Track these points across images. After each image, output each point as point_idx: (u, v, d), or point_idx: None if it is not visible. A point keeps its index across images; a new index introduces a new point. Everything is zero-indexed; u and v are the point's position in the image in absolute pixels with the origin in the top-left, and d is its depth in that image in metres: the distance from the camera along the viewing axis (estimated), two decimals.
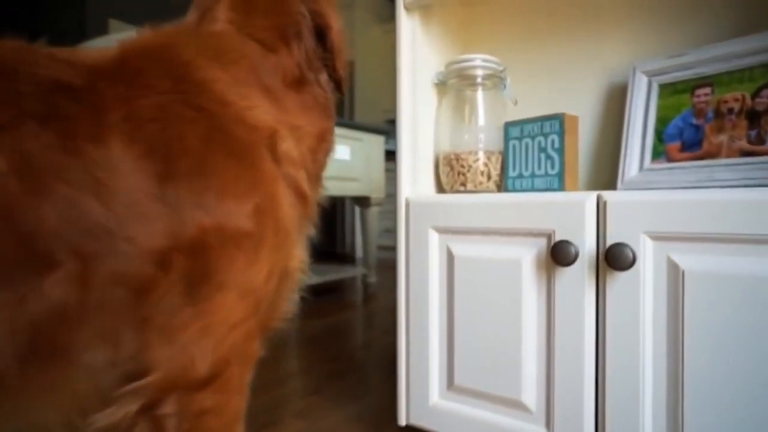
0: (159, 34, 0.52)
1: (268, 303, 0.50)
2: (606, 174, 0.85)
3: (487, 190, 0.84)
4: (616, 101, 0.85)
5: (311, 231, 0.65)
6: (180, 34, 0.53)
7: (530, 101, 0.95)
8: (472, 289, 0.76)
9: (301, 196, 0.55)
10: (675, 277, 0.59)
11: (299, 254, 0.58)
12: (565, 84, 0.92)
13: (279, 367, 1.51)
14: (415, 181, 0.86)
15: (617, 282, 0.63)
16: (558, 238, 0.67)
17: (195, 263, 0.45)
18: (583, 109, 0.89)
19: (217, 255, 0.46)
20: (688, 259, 0.59)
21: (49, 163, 0.41)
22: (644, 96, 0.75)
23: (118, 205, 0.43)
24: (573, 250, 0.64)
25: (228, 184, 0.47)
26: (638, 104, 0.75)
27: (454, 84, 0.87)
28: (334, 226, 3.99)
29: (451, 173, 0.85)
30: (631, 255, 0.59)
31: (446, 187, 0.87)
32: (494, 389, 0.74)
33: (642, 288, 0.61)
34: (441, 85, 0.89)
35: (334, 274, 2.53)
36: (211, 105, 0.48)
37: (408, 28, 0.85)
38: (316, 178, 0.62)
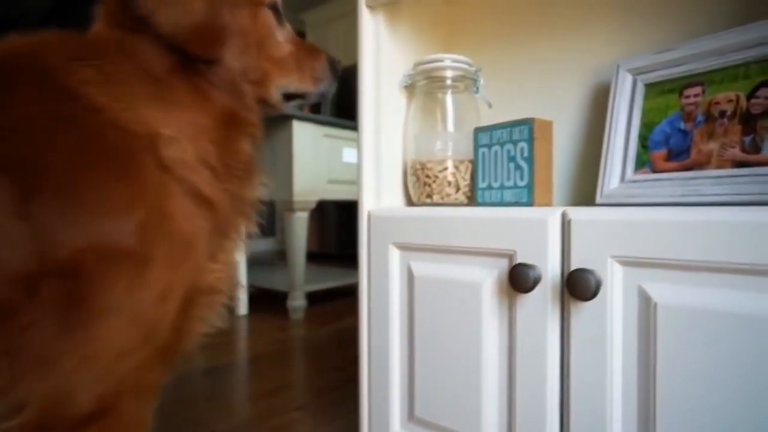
0: (25, 41, 0.47)
1: (170, 327, 0.46)
2: (590, 185, 0.77)
3: (455, 203, 0.77)
4: (601, 103, 0.76)
5: (245, 233, 0.60)
6: (49, 39, 0.48)
7: (508, 104, 0.87)
8: (432, 312, 0.69)
9: (205, 202, 0.49)
10: (646, 309, 0.51)
11: (218, 267, 0.53)
12: (547, 84, 0.83)
13: (271, 377, 1.48)
14: (380, 192, 0.80)
15: (582, 312, 0.55)
16: (519, 260, 0.60)
17: (69, 287, 0.40)
18: (568, 111, 0.80)
19: (95, 277, 0.41)
20: (662, 289, 0.50)
21: None
22: (628, 97, 0.66)
23: None
24: (532, 275, 0.56)
25: (104, 199, 0.42)
26: (621, 107, 0.66)
27: (422, 86, 0.80)
28: (351, 229, 3.95)
29: (417, 184, 0.78)
30: (593, 283, 0.51)
31: (414, 198, 0.81)
32: (454, 424, 0.67)
33: (609, 320, 0.53)
34: (410, 88, 0.82)
35: (350, 277, 2.50)
36: (80, 112, 0.44)
37: (371, 27, 0.78)
38: (239, 171, 0.56)
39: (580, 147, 0.79)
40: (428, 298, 0.70)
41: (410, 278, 0.72)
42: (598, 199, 0.66)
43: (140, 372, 0.44)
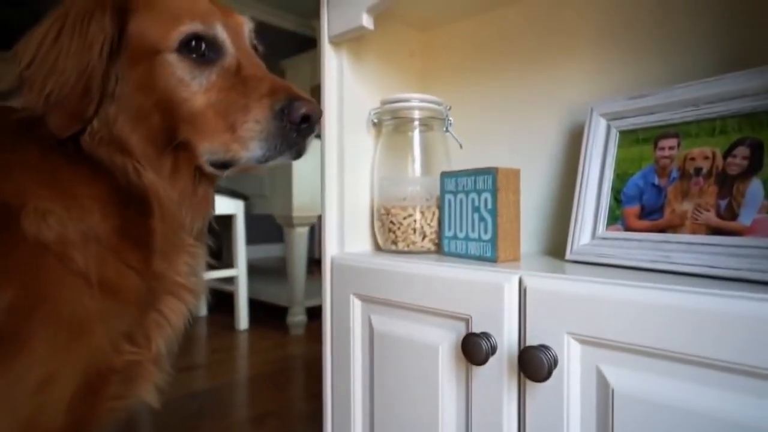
0: None
1: (63, 414, 0.42)
2: (564, 235, 0.71)
3: (421, 251, 0.72)
4: (575, 146, 0.71)
5: (183, 309, 0.57)
6: None
7: (481, 143, 0.82)
8: (392, 369, 0.65)
9: (101, 282, 0.46)
10: (605, 394, 0.46)
11: (133, 349, 0.50)
12: (520, 124, 0.78)
13: (263, 401, 1.46)
14: (343, 237, 0.76)
15: (537, 392, 0.50)
16: (474, 327, 0.55)
17: None
18: (540, 153, 0.75)
19: None
20: (621, 374, 0.45)
21: None
22: (602, 144, 0.61)
23: None
24: (485, 347, 0.52)
25: None
26: (594, 154, 0.61)
27: (390, 125, 0.76)
28: None
29: (382, 229, 0.75)
30: (546, 364, 0.47)
31: (380, 244, 0.77)
32: None
33: (566, 403, 0.48)
34: (378, 126, 0.78)
35: None
36: None
37: (334, 64, 0.75)
38: (155, 246, 0.52)
39: (554, 192, 0.74)
40: (388, 354, 0.66)
41: (371, 331, 0.68)
42: (567, 255, 0.61)
43: None
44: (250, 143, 0.50)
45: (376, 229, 0.77)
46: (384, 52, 0.82)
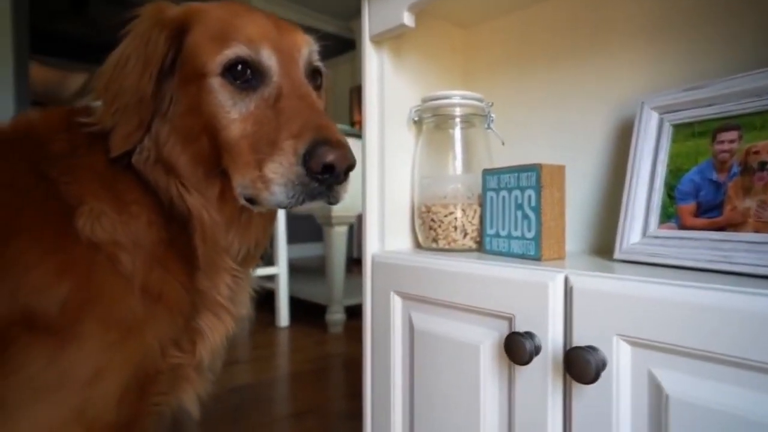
0: (31, 116, 0.52)
1: (113, 408, 0.45)
2: (612, 234, 0.69)
3: (463, 249, 0.71)
4: (624, 142, 0.68)
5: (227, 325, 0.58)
6: (45, 116, 0.53)
7: (524, 140, 0.80)
8: (433, 368, 0.65)
9: (146, 289, 0.48)
10: (657, 400, 0.44)
11: (179, 354, 0.52)
12: (565, 120, 0.75)
13: (302, 398, 1.48)
14: (384, 235, 0.76)
15: (584, 395, 0.48)
16: (516, 326, 0.54)
17: None
18: (587, 150, 0.72)
19: (19, 349, 0.42)
20: (676, 379, 0.43)
21: None
22: (653, 139, 0.59)
23: None
24: (528, 347, 0.51)
25: (32, 267, 0.43)
26: (645, 150, 0.59)
27: (430, 123, 0.75)
28: None
29: (423, 227, 0.74)
30: (593, 365, 0.45)
31: (421, 242, 0.76)
32: None
33: (615, 407, 0.46)
34: (419, 124, 0.78)
35: None
36: (32, 182, 0.46)
37: (375, 63, 0.75)
38: (198, 265, 0.53)
39: (599, 189, 0.71)
40: (429, 353, 0.65)
41: (411, 329, 0.68)
42: (616, 254, 0.59)
43: None
44: (273, 186, 0.47)
45: (416, 227, 0.77)
46: (425, 49, 0.82)
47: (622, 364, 0.46)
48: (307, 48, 0.56)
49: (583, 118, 0.73)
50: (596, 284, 0.48)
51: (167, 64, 0.50)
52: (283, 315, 2.30)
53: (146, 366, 0.48)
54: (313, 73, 0.58)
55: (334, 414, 1.38)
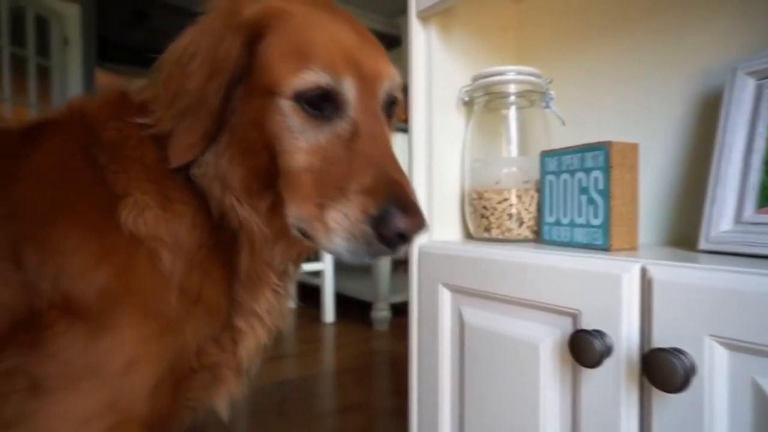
0: (84, 101, 0.52)
1: (144, 400, 0.43)
2: (695, 223, 0.60)
3: (518, 239, 0.65)
4: (708, 117, 0.59)
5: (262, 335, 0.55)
6: (98, 100, 0.52)
7: (587, 120, 0.73)
8: (485, 367, 0.59)
9: (184, 288, 0.46)
10: (765, 415, 0.36)
11: (216, 351, 0.50)
12: (635, 95, 0.67)
13: (345, 394, 1.46)
14: (433, 224, 0.71)
15: (668, 406, 0.41)
16: (583, 324, 0.48)
17: (37, 339, 0.41)
18: (662, 128, 0.64)
19: (59, 331, 0.41)
20: None
21: None
22: (749, 109, 0.50)
23: None
24: (598, 347, 0.44)
25: (75, 252, 0.42)
26: (738, 122, 0.50)
27: (482, 103, 0.70)
28: None
29: (474, 215, 0.69)
30: (680, 370, 0.38)
31: (472, 231, 0.71)
32: None
33: (709, 421, 0.39)
34: (469, 105, 0.72)
35: None
36: (81, 168, 0.45)
37: (422, 40, 0.71)
38: (237, 276, 0.50)
39: (677, 170, 0.62)
40: (481, 350, 0.60)
41: (461, 324, 0.63)
42: (701, 244, 0.51)
43: None
44: (333, 236, 0.43)
45: (467, 216, 0.71)
46: (475, 25, 0.76)
47: (717, 371, 0.39)
48: (390, 82, 0.50)
49: (657, 92, 0.65)
50: (682, 276, 0.41)
51: (238, 74, 0.45)
52: (329, 311, 2.30)
53: (181, 363, 0.46)
54: (390, 104, 0.52)
55: (379, 411, 1.34)
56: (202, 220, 0.48)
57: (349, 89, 0.45)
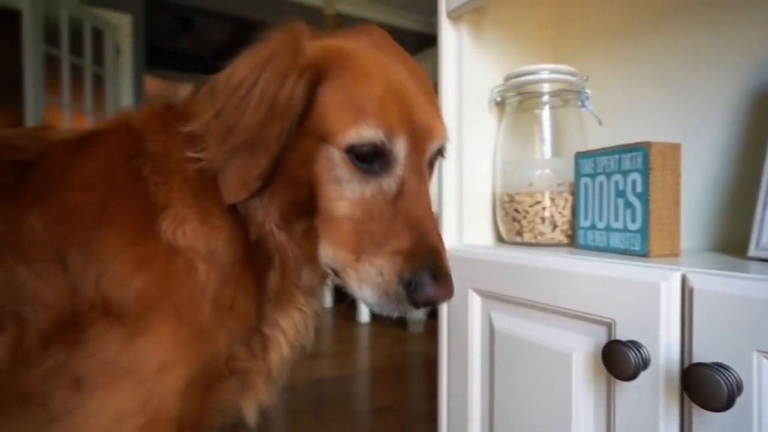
0: (131, 113, 0.54)
1: (175, 402, 0.45)
2: (744, 229, 0.56)
3: (551, 243, 0.63)
4: (760, 115, 0.55)
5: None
6: (143, 113, 0.54)
7: (626, 120, 0.69)
8: (515, 376, 0.58)
9: (215, 299, 0.47)
10: None
11: (247, 357, 0.51)
12: (679, 92, 0.63)
13: (379, 395, 1.47)
14: (462, 228, 0.70)
15: (711, 423, 0.39)
16: (617, 334, 0.45)
17: (78, 338, 0.43)
18: (712, 124, 0.60)
19: (98, 331, 0.43)
20: None
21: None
22: None
23: (38, 271, 0.44)
24: (633, 359, 0.42)
25: (115, 256, 0.44)
26: None
27: (515, 103, 0.68)
28: None
29: (506, 219, 0.67)
30: (724, 388, 0.36)
31: (504, 235, 0.69)
32: None
33: None
34: (501, 106, 0.71)
35: None
36: (125, 177, 0.47)
37: (452, 40, 0.70)
38: (264, 294, 0.51)
39: (725, 172, 0.58)
40: (511, 357, 0.58)
41: (491, 331, 0.62)
42: (752, 251, 0.47)
43: None
44: (365, 287, 0.44)
45: (498, 219, 0.70)
46: (509, 23, 0.74)
47: (767, 389, 0.36)
48: (441, 140, 0.50)
49: (704, 88, 0.61)
50: (726, 285, 0.38)
51: (297, 116, 0.45)
52: (364, 311, 2.31)
53: (211, 368, 0.48)
54: (438, 154, 0.52)
55: (413, 413, 1.34)
56: (237, 236, 0.49)
57: (400, 149, 0.46)
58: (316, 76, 0.45)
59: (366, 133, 0.44)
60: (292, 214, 0.49)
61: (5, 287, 0.44)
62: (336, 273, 0.48)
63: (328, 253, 0.47)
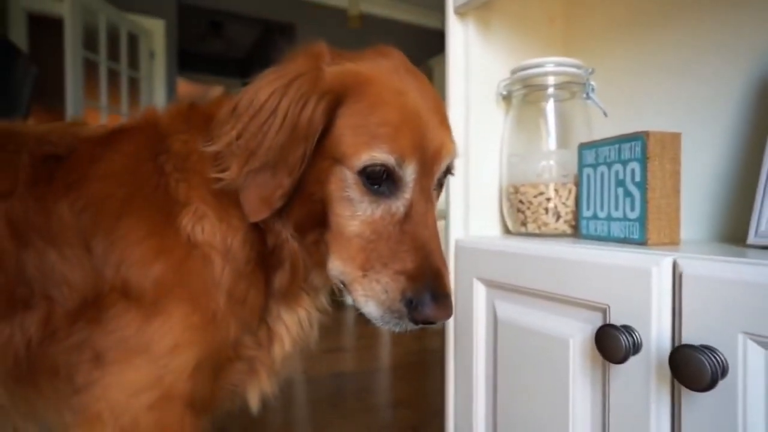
0: (157, 111, 0.58)
1: (185, 381, 0.48)
2: (744, 218, 0.55)
3: (555, 233, 0.64)
4: (762, 104, 0.54)
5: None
6: (169, 113, 0.58)
7: (630, 111, 0.69)
8: (517, 362, 0.59)
9: (228, 291, 0.50)
10: None
11: (254, 346, 0.54)
12: (687, 84, 0.63)
13: (396, 390, 1.49)
14: (468, 219, 0.72)
15: (697, 404, 0.39)
16: (611, 319, 0.46)
17: (100, 317, 0.47)
18: (714, 114, 0.60)
19: (117, 312, 0.47)
20: None
21: (32, 223, 0.49)
22: None
23: (66, 255, 0.48)
24: (624, 342, 0.43)
25: (136, 244, 0.48)
26: None
27: (520, 96, 0.69)
28: None
29: (510, 210, 0.68)
30: (708, 369, 0.36)
31: (509, 226, 0.70)
32: None
33: (742, 423, 0.37)
34: (508, 99, 0.72)
35: None
36: (149, 172, 0.51)
37: (460, 36, 0.71)
38: (272, 290, 0.54)
39: (726, 162, 0.58)
40: (513, 345, 0.60)
41: (495, 319, 0.63)
42: (751, 239, 0.47)
43: (154, 414, 0.47)
44: (370, 302, 0.47)
45: (504, 211, 0.71)
46: (517, 18, 0.75)
47: (751, 371, 0.36)
48: (449, 158, 0.52)
49: (709, 79, 0.61)
50: (713, 270, 0.39)
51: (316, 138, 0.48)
52: None
53: (222, 353, 0.51)
54: (448, 172, 0.55)
55: (430, 408, 1.35)
56: (252, 237, 0.52)
57: (410, 174, 0.48)
58: (335, 101, 0.47)
59: (378, 156, 0.46)
60: (306, 226, 0.51)
61: (36, 270, 0.48)
62: (344, 285, 0.51)
63: (337, 267, 0.50)
